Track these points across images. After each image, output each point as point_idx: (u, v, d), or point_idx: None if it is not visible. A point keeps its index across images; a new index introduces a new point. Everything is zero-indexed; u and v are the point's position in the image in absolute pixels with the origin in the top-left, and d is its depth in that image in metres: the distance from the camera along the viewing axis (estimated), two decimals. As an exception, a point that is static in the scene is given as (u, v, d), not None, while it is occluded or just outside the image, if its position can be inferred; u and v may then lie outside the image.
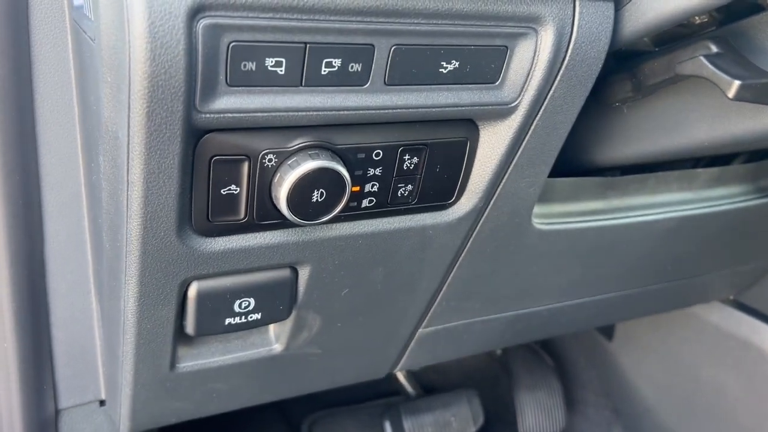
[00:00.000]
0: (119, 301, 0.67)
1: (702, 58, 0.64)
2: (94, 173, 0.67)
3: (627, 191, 0.93)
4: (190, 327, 0.70)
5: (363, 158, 0.63)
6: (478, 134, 0.68)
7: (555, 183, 0.85)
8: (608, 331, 1.77)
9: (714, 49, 0.65)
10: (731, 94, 0.61)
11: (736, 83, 0.61)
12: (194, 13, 0.47)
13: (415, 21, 0.55)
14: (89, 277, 0.83)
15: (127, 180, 0.54)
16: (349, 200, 0.64)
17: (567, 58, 0.63)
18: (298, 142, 0.59)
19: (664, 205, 0.95)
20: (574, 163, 0.90)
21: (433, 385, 1.80)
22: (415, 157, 0.66)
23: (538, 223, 0.84)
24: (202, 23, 0.48)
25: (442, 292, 0.87)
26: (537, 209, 0.83)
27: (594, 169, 0.93)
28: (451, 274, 0.84)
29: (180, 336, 0.74)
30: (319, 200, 0.61)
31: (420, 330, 0.95)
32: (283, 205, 0.60)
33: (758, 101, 0.62)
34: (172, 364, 0.76)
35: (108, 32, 0.49)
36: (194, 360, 0.78)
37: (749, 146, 0.94)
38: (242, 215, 0.62)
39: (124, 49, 0.47)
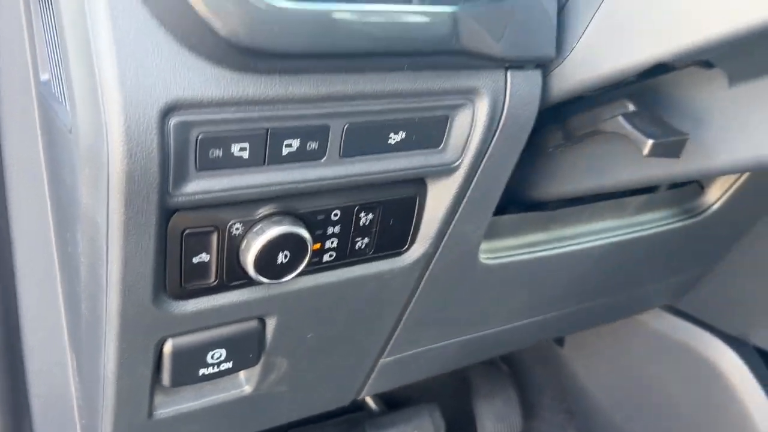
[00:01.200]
0: (99, 361, 0.71)
1: (620, 117, 0.72)
2: (69, 244, 0.71)
3: (566, 222, 1.01)
4: (166, 380, 0.74)
5: (323, 219, 0.69)
6: (426, 190, 0.74)
7: (500, 220, 0.93)
8: (559, 339, 1.87)
9: (631, 107, 0.74)
10: (645, 151, 0.69)
11: (650, 142, 0.69)
12: (165, 113, 0.52)
13: (365, 102, 0.61)
14: (63, 332, 0.86)
15: (106, 259, 0.59)
16: (312, 257, 0.70)
17: (502, 121, 0.69)
18: (262, 212, 0.64)
19: (599, 232, 1.04)
20: (516, 198, 0.97)
21: (396, 400, 1.86)
22: (370, 214, 0.72)
23: (485, 259, 0.91)
24: (173, 121, 0.53)
25: (399, 326, 0.94)
26: (484, 245, 0.89)
27: (533, 202, 1.01)
28: (408, 310, 0.91)
29: (157, 386, 0.78)
30: (284, 261, 0.66)
31: (381, 360, 1.01)
32: (250, 269, 0.65)
33: (669, 156, 0.71)
34: (150, 413, 0.80)
35: (86, 132, 0.53)
36: (170, 407, 0.82)
37: (666, 183, 1.04)
38: (213, 279, 0.67)
39: (102, 148, 0.52)
